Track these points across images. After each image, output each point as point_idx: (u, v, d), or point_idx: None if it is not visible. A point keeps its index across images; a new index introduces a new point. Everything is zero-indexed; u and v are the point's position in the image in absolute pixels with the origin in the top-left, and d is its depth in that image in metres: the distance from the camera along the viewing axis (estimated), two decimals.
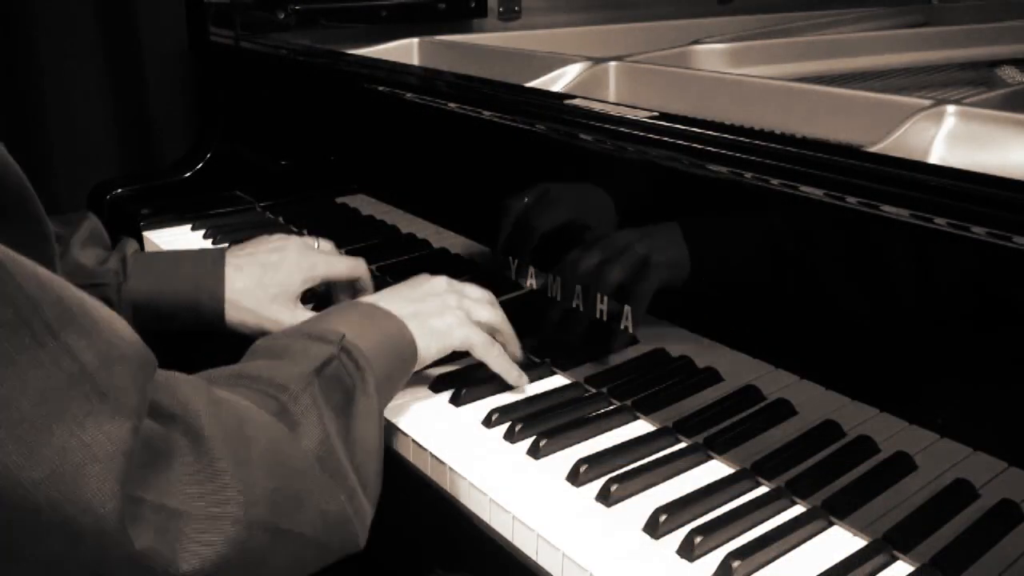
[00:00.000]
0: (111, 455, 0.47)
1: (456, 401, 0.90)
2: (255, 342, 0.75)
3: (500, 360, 0.90)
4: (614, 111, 0.88)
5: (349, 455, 0.67)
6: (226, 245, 1.33)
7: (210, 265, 0.97)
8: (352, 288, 1.05)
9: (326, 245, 1.06)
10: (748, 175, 0.76)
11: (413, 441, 0.85)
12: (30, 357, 0.46)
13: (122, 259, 0.97)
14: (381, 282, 1.05)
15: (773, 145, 0.75)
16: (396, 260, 1.23)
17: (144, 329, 0.96)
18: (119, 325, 0.52)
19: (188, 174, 1.52)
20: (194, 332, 0.98)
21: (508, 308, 1.01)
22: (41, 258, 0.51)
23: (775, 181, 0.74)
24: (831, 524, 0.73)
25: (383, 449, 0.73)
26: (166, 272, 0.97)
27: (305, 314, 0.97)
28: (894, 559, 0.69)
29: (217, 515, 0.54)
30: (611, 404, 0.90)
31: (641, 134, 0.85)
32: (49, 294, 0.47)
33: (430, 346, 0.85)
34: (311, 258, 0.99)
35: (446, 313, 0.87)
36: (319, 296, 1.05)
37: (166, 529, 0.51)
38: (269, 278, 0.96)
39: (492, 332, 0.93)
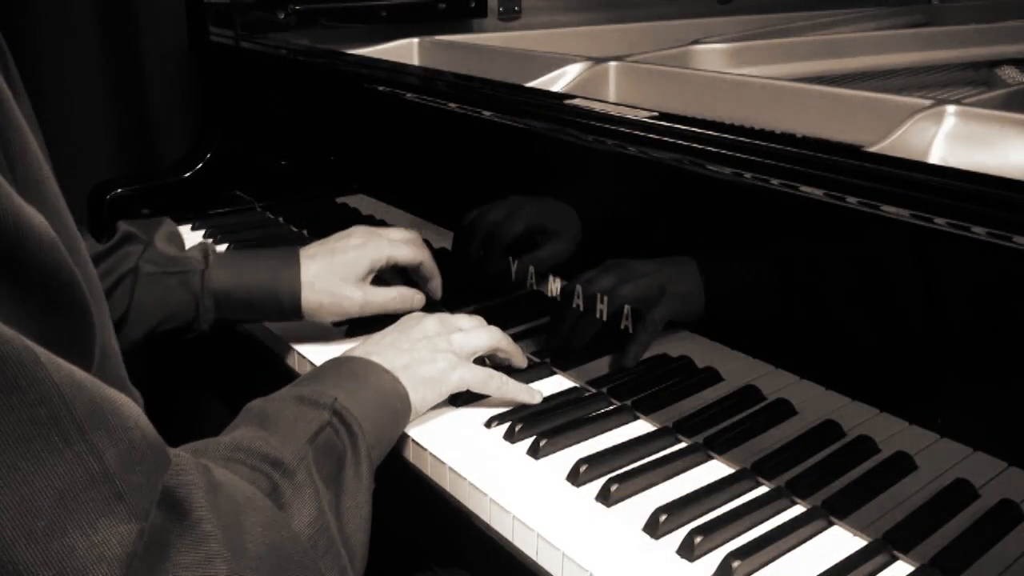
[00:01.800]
0: (118, 557, 0.47)
1: (456, 401, 0.90)
2: (248, 404, 0.75)
3: (503, 390, 0.89)
4: (614, 111, 0.88)
5: (340, 527, 0.67)
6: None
7: (285, 258, 1.02)
8: (419, 274, 1.07)
9: (393, 232, 1.07)
10: (748, 175, 0.76)
11: (413, 441, 0.85)
12: (57, 456, 0.46)
13: (204, 250, 1.02)
14: (380, 282, 1.05)
15: (773, 145, 0.75)
16: None
17: (226, 320, 1.00)
18: (144, 424, 0.52)
19: (188, 174, 1.52)
20: (272, 321, 1.05)
21: (508, 308, 1.01)
22: (83, 350, 0.52)
23: (775, 181, 0.74)
24: (831, 524, 0.73)
25: (371, 517, 0.72)
26: (244, 265, 1.01)
27: (375, 291, 1.01)
28: (894, 559, 0.69)
29: None
30: (611, 404, 0.90)
31: (641, 134, 0.85)
32: (83, 393, 0.48)
33: (425, 397, 0.85)
34: (376, 241, 1.03)
35: (437, 358, 0.86)
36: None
37: None
38: (338, 261, 1.00)
39: (495, 351, 0.93)
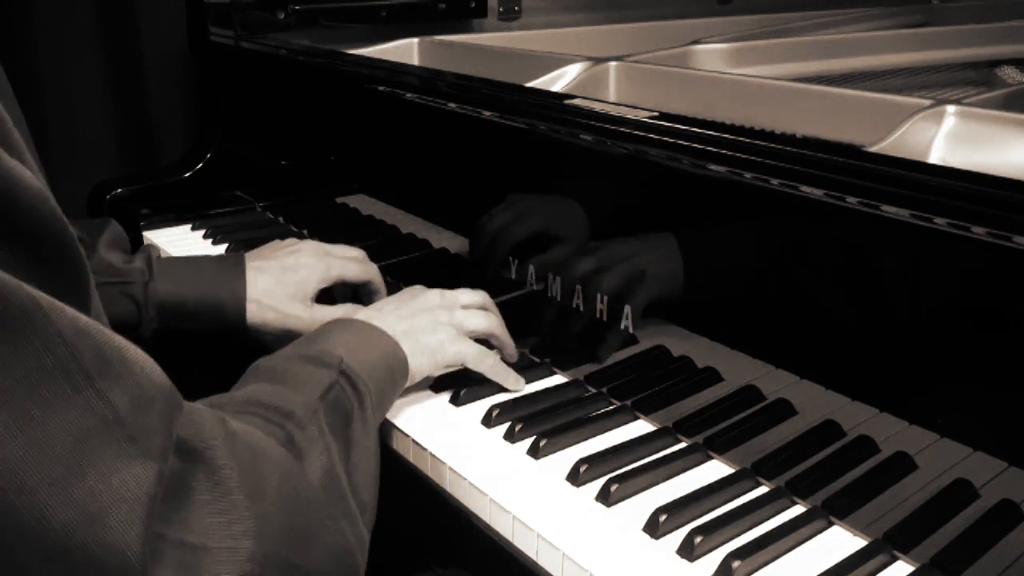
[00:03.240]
0: (138, 498, 0.49)
1: (456, 401, 0.90)
2: (255, 362, 0.76)
3: (495, 369, 0.90)
4: (614, 111, 0.88)
5: (349, 480, 0.68)
6: (226, 245, 1.34)
7: (231, 268, 1.01)
8: (367, 290, 1.08)
9: (340, 247, 1.09)
10: (748, 175, 0.76)
11: (413, 441, 0.85)
12: (67, 403, 0.47)
13: (147, 260, 1.01)
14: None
15: (773, 145, 0.75)
16: (396, 260, 1.23)
17: (168, 329, 0.99)
18: (151, 367, 0.53)
19: (188, 174, 1.52)
20: (215, 334, 1.02)
21: (508, 308, 1.01)
22: (79, 303, 0.53)
23: (775, 181, 0.74)
24: (831, 524, 0.73)
25: (379, 472, 0.73)
26: (189, 274, 1.01)
27: (322, 311, 1.01)
28: (894, 559, 0.69)
29: (234, 549, 0.54)
30: (611, 404, 0.90)
31: (641, 134, 0.85)
32: (88, 340, 0.49)
33: (422, 364, 0.86)
34: (325, 260, 1.03)
35: (438, 329, 0.88)
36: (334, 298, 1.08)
37: (187, 564, 0.52)
38: (288, 278, 1.00)
39: (488, 336, 0.93)
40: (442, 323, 0.89)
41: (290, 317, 1.00)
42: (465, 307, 0.92)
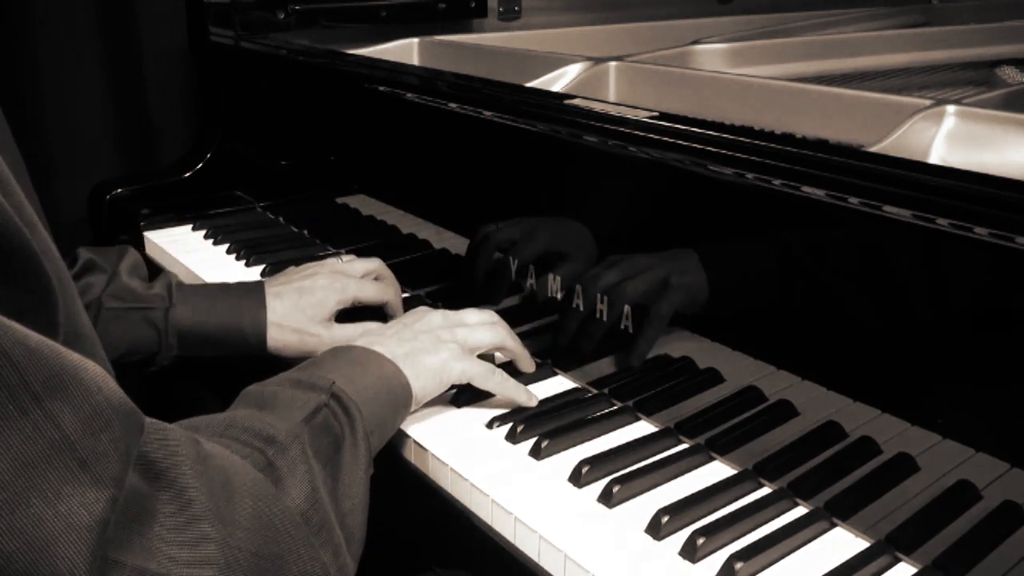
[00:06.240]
0: (87, 526, 0.47)
1: (457, 402, 0.90)
2: (245, 389, 0.75)
3: (503, 386, 0.89)
4: (614, 111, 0.88)
5: (335, 507, 0.67)
6: (226, 246, 1.33)
7: (250, 294, 1.01)
8: (384, 310, 1.08)
9: (358, 265, 1.08)
10: (749, 175, 0.76)
11: (414, 442, 0.85)
12: (12, 426, 0.46)
13: (167, 286, 1.01)
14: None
15: (774, 145, 0.75)
16: (396, 260, 1.22)
17: (189, 356, 0.99)
18: (109, 388, 0.51)
19: (188, 174, 1.52)
20: (236, 359, 1.02)
21: (508, 309, 1.01)
22: (45, 319, 0.51)
23: (776, 181, 0.74)
24: (834, 525, 0.73)
25: (368, 500, 0.72)
26: (209, 301, 1.01)
27: (342, 330, 1.00)
28: (897, 561, 0.69)
29: None
30: (613, 405, 0.90)
31: (641, 134, 0.85)
32: (37, 360, 0.47)
33: (425, 385, 0.84)
34: (342, 280, 1.03)
35: (440, 349, 0.86)
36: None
37: None
38: (305, 301, 1.00)
39: (498, 350, 0.92)
40: (444, 342, 0.87)
41: (310, 337, 0.99)
42: (470, 326, 0.90)
